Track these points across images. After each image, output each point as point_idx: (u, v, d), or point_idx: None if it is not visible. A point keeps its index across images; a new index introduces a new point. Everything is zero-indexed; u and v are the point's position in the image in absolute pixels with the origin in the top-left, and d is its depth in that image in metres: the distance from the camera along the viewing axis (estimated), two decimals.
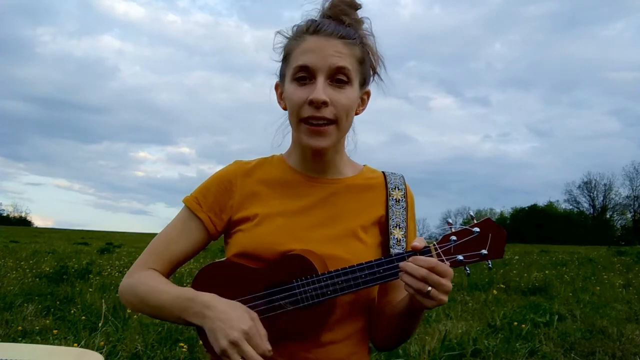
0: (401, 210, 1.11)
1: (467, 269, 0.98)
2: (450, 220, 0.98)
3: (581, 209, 59.84)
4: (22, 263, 8.58)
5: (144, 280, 1.08)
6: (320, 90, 1.00)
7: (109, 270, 7.70)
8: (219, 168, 1.18)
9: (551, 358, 3.15)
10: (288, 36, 1.09)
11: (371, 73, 1.12)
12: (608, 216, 58.78)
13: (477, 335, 3.60)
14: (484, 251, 0.94)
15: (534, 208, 62.33)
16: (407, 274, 0.91)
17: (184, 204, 1.13)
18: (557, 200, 63.63)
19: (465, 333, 3.63)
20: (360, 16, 1.11)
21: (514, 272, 8.43)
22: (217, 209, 1.11)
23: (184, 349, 2.89)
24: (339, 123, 1.03)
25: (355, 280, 0.97)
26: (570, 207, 60.61)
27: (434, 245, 0.96)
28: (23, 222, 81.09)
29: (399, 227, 1.09)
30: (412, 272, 0.91)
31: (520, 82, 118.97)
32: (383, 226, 1.10)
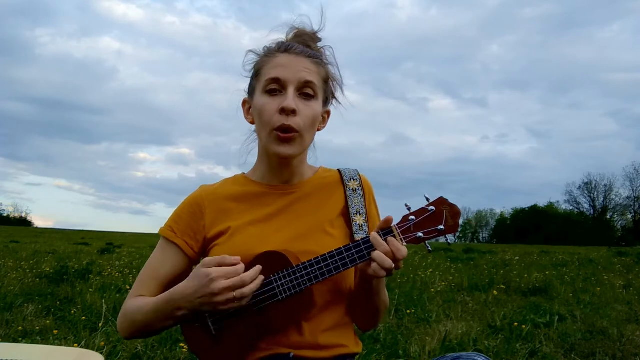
0: (359, 198, 1.19)
1: (428, 245, 1.07)
2: (409, 204, 1.05)
3: (581, 209, 59.95)
4: (22, 263, 8.58)
5: (132, 304, 1.15)
6: (291, 99, 1.07)
7: (110, 270, 7.70)
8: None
9: (551, 359, 3.15)
10: (259, 54, 1.17)
11: (331, 96, 1.21)
12: (608, 217, 58.85)
13: (478, 335, 3.60)
14: (441, 227, 1.02)
15: (534, 209, 62.40)
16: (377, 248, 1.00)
17: (160, 235, 1.19)
18: (558, 201, 63.77)
19: (466, 334, 3.63)
20: (322, 46, 1.21)
21: (515, 272, 8.44)
22: (190, 232, 1.18)
23: (184, 349, 2.89)
24: (303, 134, 1.11)
25: (327, 267, 1.03)
26: (571, 207, 60.74)
27: (395, 226, 1.03)
28: (23, 223, 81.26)
29: (359, 214, 1.17)
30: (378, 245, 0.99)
31: (518, 83, 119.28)
32: (347, 216, 1.18)
